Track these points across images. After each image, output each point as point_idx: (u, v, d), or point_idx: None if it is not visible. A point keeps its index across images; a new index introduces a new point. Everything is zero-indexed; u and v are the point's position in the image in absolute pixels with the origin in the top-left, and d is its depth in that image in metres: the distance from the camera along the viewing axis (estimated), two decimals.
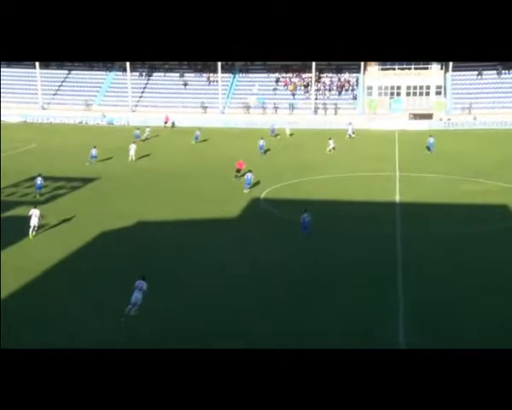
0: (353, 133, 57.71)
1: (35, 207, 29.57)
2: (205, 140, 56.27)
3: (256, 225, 31.90)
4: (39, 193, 36.42)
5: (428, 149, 50.67)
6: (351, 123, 59.01)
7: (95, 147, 46.77)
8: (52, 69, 77.17)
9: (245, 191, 37.77)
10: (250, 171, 38.95)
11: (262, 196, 37.03)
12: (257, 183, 39.53)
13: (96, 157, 46.45)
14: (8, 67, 74.75)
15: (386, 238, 28.91)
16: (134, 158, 48.00)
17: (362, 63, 70.10)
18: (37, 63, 71.09)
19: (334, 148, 51.45)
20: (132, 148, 48.42)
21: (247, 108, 70.42)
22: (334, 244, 28.45)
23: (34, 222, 28.72)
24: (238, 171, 41.24)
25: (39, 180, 36.44)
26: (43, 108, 72.64)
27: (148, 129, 58.95)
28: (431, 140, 50.93)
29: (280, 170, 44.01)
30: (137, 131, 57.32)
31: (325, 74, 73.78)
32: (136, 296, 20.58)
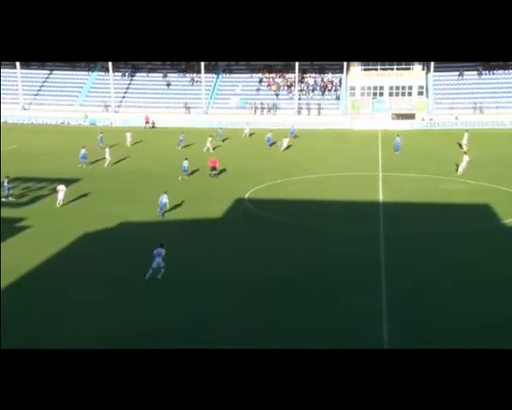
0: (250, 135, 58.23)
1: (62, 184, 34.95)
2: (188, 144, 54.82)
3: (240, 224, 31.86)
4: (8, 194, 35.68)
5: (395, 149, 50.34)
6: (248, 123, 61.14)
7: (84, 147, 46.02)
8: (33, 69, 76.42)
9: (179, 179, 40.20)
10: (186, 158, 40.91)
11: (246, 196, 37.01)
12: (241, 183, 39.58)
13: (86, 158, 45.48)
14: None
15: (370, 238, 29.01)
16: (109, 162, 46.00)
17: (345, 64, 70.40)
18: (17, 63, 70.37)
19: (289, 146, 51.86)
20: (107, 151, 46.59)
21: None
22: (317, 244, 28.47)
23: (61, 196, 33.97)
24: (213, 169, 41.80)
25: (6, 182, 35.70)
26: (25, 109, 71.90)
27: (102, 141, 52.79)
28: (398, 140, 50.82)
29: (264, 170, 43.98)
30: (100, 135, 52.35)
31: (308, 75, 73.93)
32: (158, 261, 23.80)
